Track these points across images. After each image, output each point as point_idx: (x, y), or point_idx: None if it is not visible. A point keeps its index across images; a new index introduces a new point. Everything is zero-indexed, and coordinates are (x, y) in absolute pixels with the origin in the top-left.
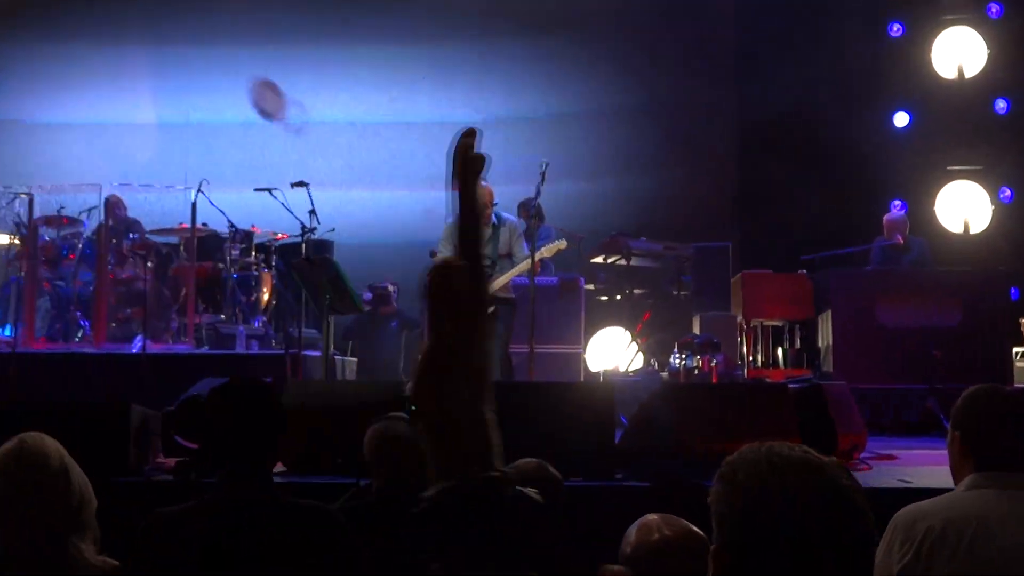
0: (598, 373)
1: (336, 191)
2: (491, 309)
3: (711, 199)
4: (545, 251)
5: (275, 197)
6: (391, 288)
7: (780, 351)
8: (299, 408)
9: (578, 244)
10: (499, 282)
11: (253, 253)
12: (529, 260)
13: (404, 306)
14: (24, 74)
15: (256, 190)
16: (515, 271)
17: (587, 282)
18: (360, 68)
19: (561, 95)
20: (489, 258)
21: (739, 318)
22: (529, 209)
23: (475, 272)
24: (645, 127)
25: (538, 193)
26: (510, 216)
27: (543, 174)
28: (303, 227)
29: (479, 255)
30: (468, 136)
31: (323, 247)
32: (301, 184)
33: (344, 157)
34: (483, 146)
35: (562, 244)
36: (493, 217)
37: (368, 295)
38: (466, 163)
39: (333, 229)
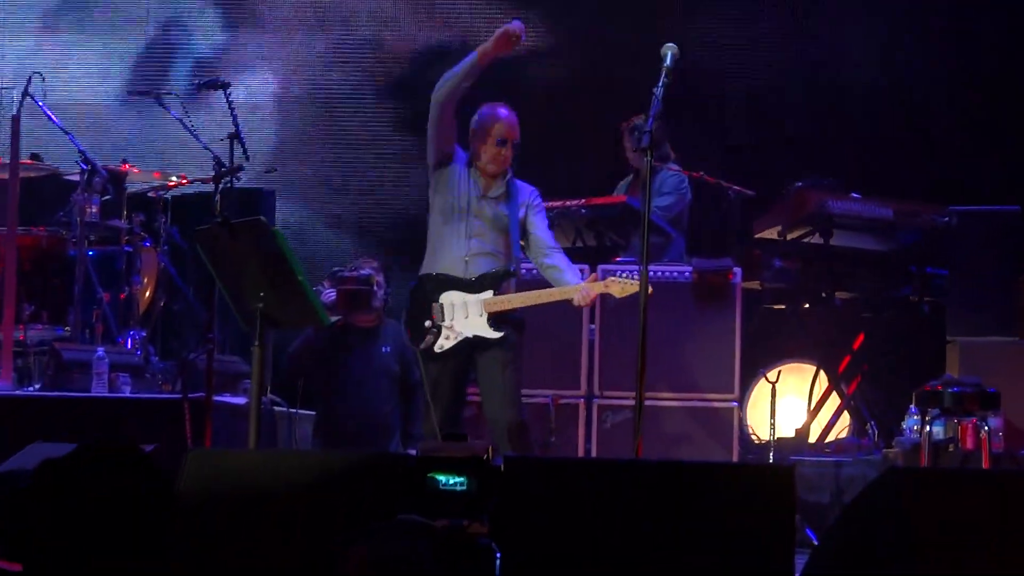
0: (765, 443)
1: (283, 100)
2: (498, 335)
3: (990, 128)
4: (614, 287)
5: (163, 105)
6: (376, 277)
7: None
8: (205, 506)
9: (733, 204)
10: (506, 302)
11: (125, 212)
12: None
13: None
14: None
15: (132, 94)
16: (530, 297)
17: (748, 276)
18: None
19: None
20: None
21: None
22: (641, 137)
23: None
24: None
25: (657, 106)
26: (526, 185)
27: (667, 68)
28: (218, 165)
29: None
30: None
31: (253, 202)
32: (214, 85)
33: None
34: None
35: (633, 288)
36: (508, 180)
37: (329, 293)
38: None
39: (273, 169)
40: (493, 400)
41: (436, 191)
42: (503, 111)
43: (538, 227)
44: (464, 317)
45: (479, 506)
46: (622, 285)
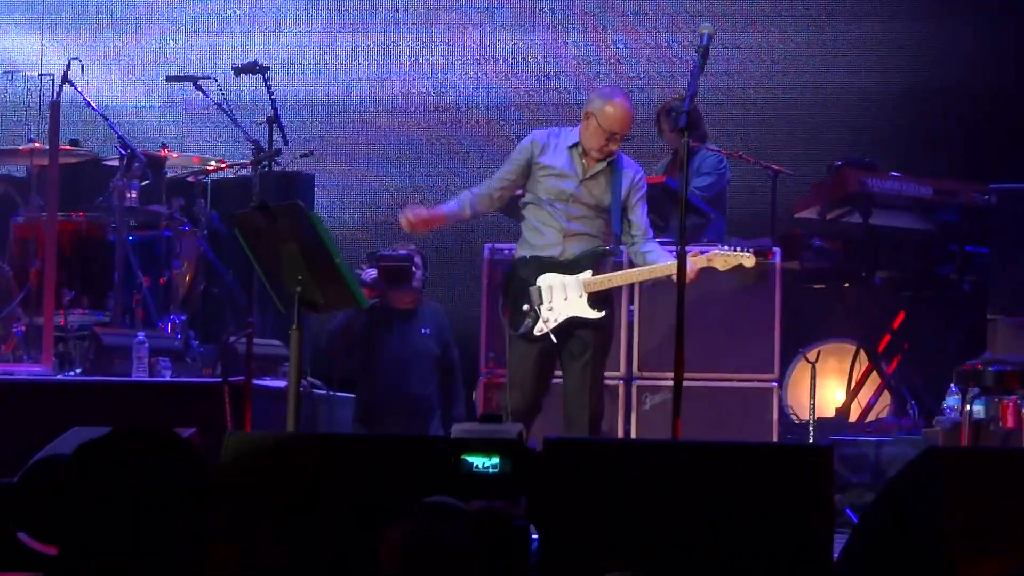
0: (805, 423)
1: (320, 85)
2: (599, 315)
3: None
4: (718, 260)
5: (205, 93)
6: (414, 258)
7: None
8: (244, 489)
9: (773, 184)
10: (607, 281)
11: (164, 197)
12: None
13: (442, 291)
14: None
15: (170, 79)
16: (631, 275)
17: (788, 256)
18: None
19: None
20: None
21: None
22: (678, 118)
23: None
24: None
25: (695, 88)
26: (634, 163)
27: (703, 49)
28: (256, 149)
29: None
30: None
31: (291, 186)
32: (254, 69)
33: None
34: None
35: (746, 258)
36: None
37: (370, 273)
38: None
39: (309, 153)
40: (575, 381)
41: (532, 181)
42: (619, 101)
43: (636, 212)
44: (563, 299)
45: (514, 488)
46: (725, 258)
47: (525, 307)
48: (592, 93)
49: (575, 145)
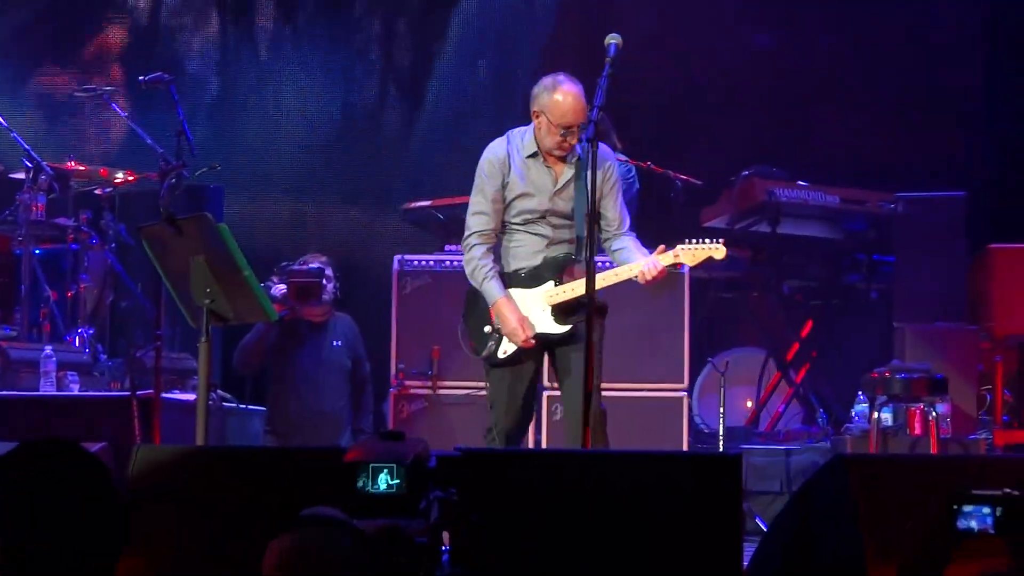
0: (714, 432)
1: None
2: (563, 330)
3: (936, 114)
4: (685, 256)
5: (112, 104)
6: (325, 270)
7: None
8: (153, 502)
9: (681, 194)
10: (568, 291)
11: (71, 210)
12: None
13: (354, 302)
14: None
15: (78, 92)
16: (619, 274)
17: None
18: None
19: None
20: (563, 223)
21: (981, 333)
22: (585, 127)
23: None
24: None
25: (601, 99)
26: (606, 149)
27: (611, 60)
28: (164, 162)
29: None
30: None
31: (198, 198)
32: (160, 82)
33: None
34: None
35: (715, 251)
36: (578, 148)
37: (279, 288)
38: None
39: (216, 166)
40: (570, 395)
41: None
42: (566, 87)
43: (608, 204)
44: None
45: (413, 505)
46: (693, 252)
47: (487, 329)
48: (536, 87)
49: (534, 154)
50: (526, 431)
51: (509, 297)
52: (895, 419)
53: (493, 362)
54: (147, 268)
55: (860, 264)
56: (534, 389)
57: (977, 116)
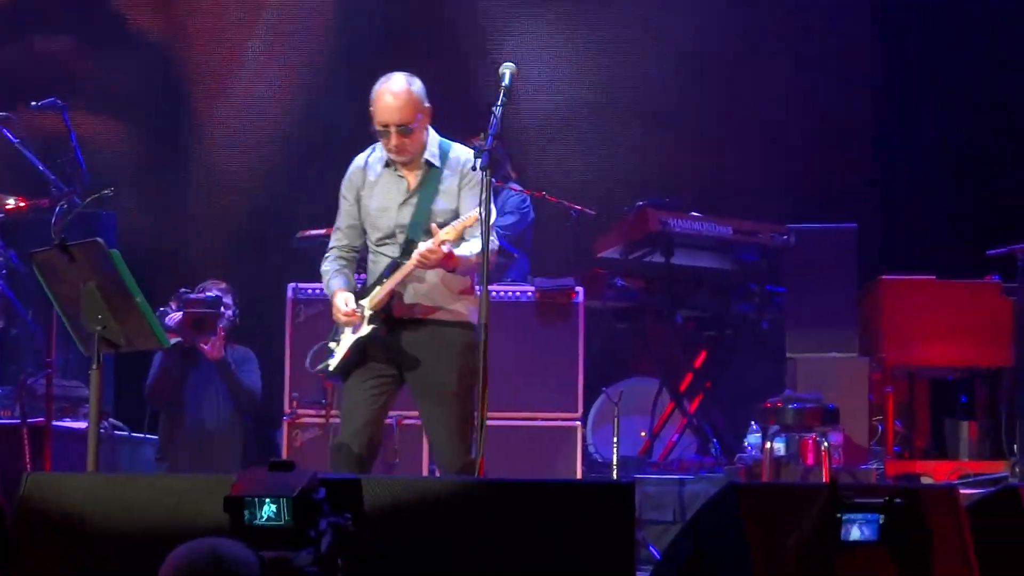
0: (608, 462)
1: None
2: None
3: (827, 148)
4: (450, 233)
5: (3, 130)
6: (223, 299)
7: (951, 425)
8: (43, 531)
9: (575, 224)
10: (379, 292)
11: None
12: (478, 239)
13: (259, 338)
14: None
15: None
16: (396, 276)
17: (590, 295)
18: None
19: None
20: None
21: (872, 363)
22: (478, 156)
23: None
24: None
25: (496, 127)
26: (463, 150)
27: (506, 89)
28: (53, 188)
29: None
30: None
31: (92, 225)
32: (51, 107)
33: None
34: None
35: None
36: (429, 156)
37: (174, 318)
38: None
39: (110, 189)
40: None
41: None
42: (382, 87)
43: (464, 204)
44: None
45: (301, 536)
46: (454, 227)
47: (318, 345)
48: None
49: (389, 163)
50: (374, 455)
51: (344, 291)
52: (787, 449)
53: (332, 378)
54: (38, 295)
55: (752, 294)
56: (376, 408)
57: (867, 148)
